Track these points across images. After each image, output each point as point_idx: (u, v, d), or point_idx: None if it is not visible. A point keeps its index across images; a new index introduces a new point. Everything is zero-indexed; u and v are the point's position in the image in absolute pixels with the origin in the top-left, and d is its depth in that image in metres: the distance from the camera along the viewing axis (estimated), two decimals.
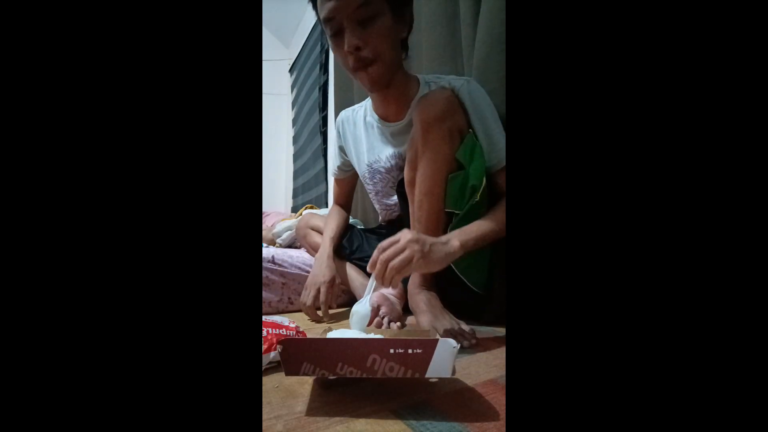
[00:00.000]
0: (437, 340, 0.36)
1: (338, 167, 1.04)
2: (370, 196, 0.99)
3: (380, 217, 1.02)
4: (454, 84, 0.77)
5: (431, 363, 0.36)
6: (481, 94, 0.76)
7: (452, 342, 0.36)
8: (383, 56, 0.71)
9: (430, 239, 0.58)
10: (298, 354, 0.37)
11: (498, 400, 0.40)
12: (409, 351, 0.36)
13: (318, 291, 0.85)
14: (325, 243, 0.96)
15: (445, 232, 0.71)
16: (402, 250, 0.54)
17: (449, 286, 0.74)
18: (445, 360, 0.35)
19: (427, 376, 0.36)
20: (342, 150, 1.01)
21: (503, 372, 0.48)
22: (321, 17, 0.72)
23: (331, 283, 0.87)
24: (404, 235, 0.55)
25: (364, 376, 0.36)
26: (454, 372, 0.37)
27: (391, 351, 0.36)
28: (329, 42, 0.75)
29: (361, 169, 0.95)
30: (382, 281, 0.54)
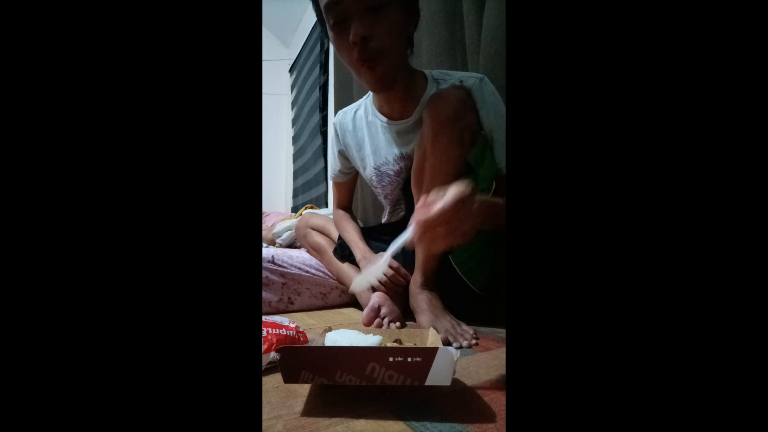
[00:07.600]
0: (437, 348, 0.36)
1: (339, 171, 1.00)
2: (379, 198, 0.96)
3: (385, 218, 0.99)
4: (466, 82, 0.73)
5: (431, 371, 0.36)
6: (495, 94, 0.73)
7: (452, 350, 0.36)
8: (391, 52, 0.66)
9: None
10: (296, 362, 0.37)
11: (498, 400, 0.40)
12: (409, 359, 0.36)
13: (386, 272, 0.79)
14: (359, 246, 0.92)
15: None
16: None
17: (451, 287, 0.74)
18: (444, 368, 0.36)
19: (426, 384, 0.36)
20: (342, 154, 0.97)
21: (503, 372, 0.48)
22: (323, 3, 0.66)
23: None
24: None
25: (363, 384, 0.36)
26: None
27: (391, 359, 0.36)
28: (330, 33, 0.69)
29: (368, 172, 0.91)
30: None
